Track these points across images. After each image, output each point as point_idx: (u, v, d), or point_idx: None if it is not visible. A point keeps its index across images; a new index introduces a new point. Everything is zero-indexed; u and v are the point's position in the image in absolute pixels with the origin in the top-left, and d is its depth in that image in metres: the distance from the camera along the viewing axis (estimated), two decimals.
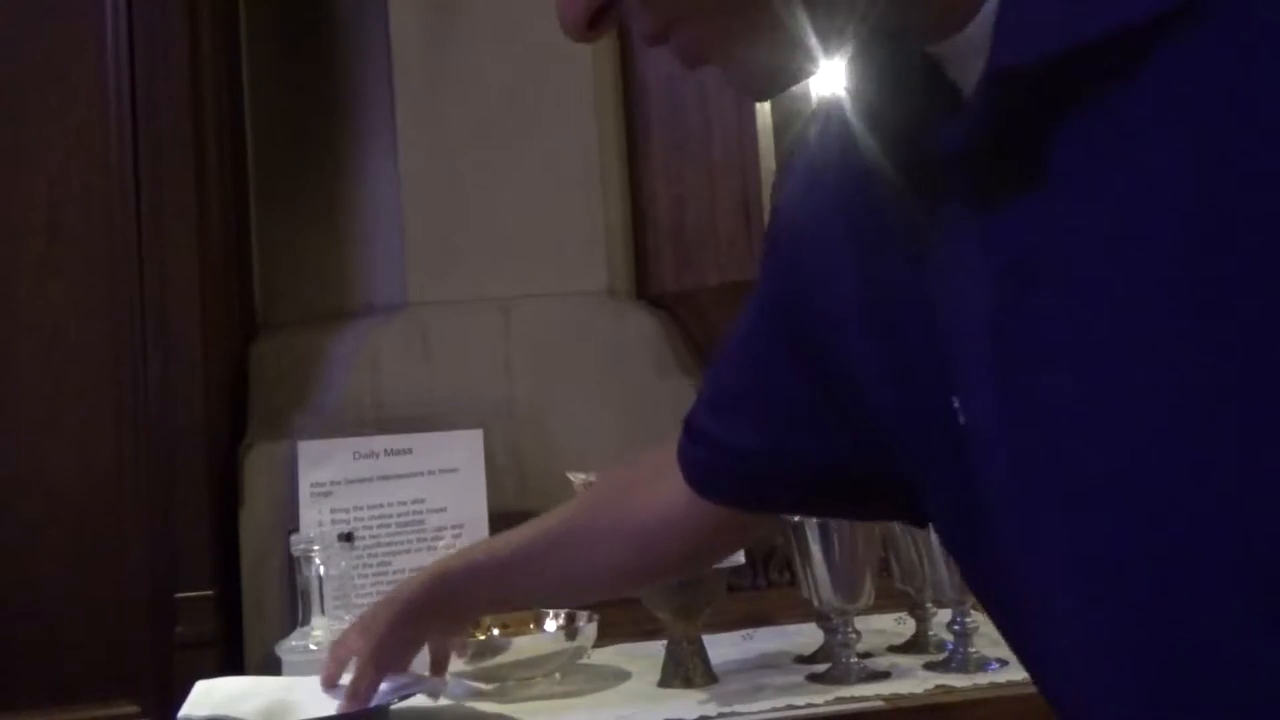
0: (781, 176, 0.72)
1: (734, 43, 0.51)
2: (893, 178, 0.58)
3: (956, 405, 0.56)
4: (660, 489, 0.86)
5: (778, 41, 0.50)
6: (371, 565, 1.53)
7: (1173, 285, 0.43)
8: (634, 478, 0.95)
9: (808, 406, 0.71)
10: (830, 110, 0.68)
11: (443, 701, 1.27)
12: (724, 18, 0.50)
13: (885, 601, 1.37)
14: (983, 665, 1.28)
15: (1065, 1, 0.45)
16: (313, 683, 1.16)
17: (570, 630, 1.37)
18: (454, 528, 1.57)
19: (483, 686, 1.33)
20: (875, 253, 0.61)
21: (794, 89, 1.78)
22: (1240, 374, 0.42)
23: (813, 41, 0.51)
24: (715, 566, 1.30)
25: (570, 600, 1.25)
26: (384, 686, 1.12)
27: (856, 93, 0.61)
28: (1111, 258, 0.45)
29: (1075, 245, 0.46)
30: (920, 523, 0.72)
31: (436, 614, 1.07)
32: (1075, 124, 0.46)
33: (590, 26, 0.52)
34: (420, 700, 1.22)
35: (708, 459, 0.80)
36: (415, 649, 1.12)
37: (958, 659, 1.29)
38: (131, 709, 1.44)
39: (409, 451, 1.58)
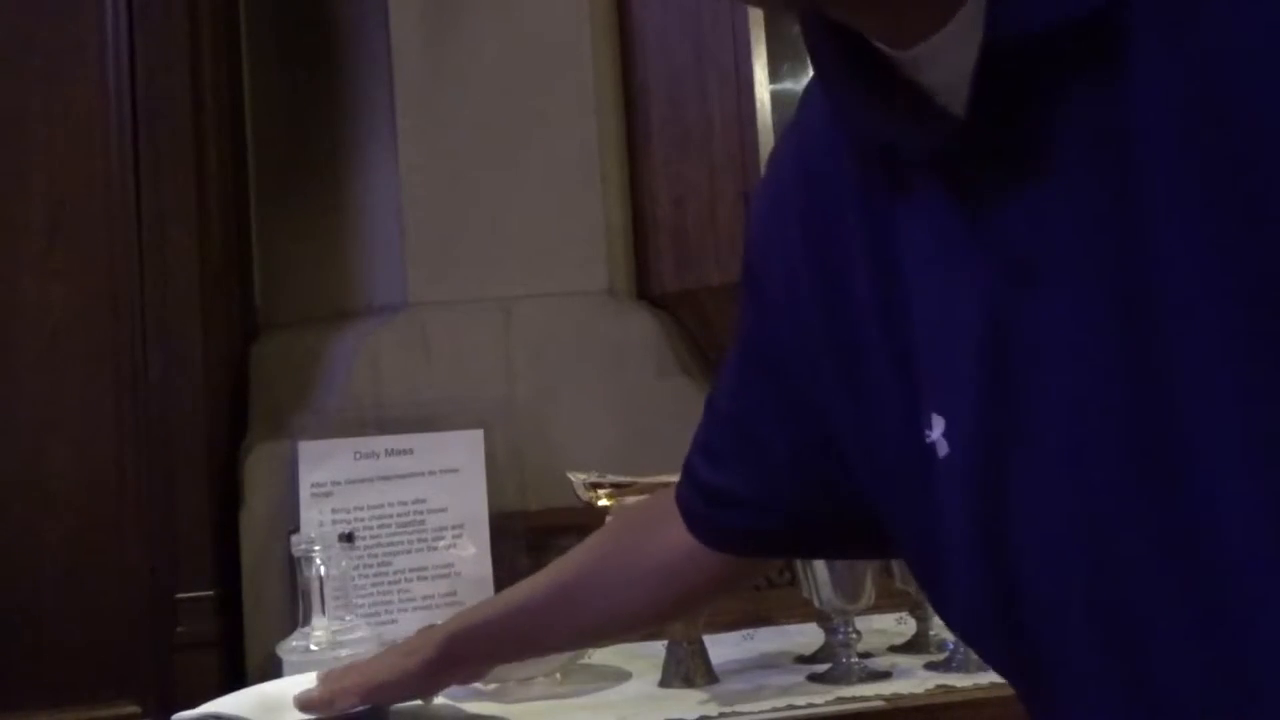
0: (748, 212, 0.71)
1: None
2: (856, 187, 0.57)
3: (931, 430, 0.54)
4: (671, 531, 0.85)
5: None
6: (372, 565, 1.53)
7: (1182, 283, 0.42)
8: (644, 519, 0.95)
9: (793, 458, 0.70)
10: (787, 134, 0.68)
11: (440, 701, 1.27)
12: None
13: (885, 601, 1.37)
14: (983, 665, 1.28)
15: None
16: (308, 681, 1.16)
17: None
18: (454, 528, 1.57)
19: (482, 686, 1.33)
20: (840, 278, 0.60)
21: (793, 87, 1.78)
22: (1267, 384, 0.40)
23: None
24: None
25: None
26: None
27: (814, 103, 0.60)
28: (1115, 254, 0.44)
29: (1078, 240, 0.45)
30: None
31: (449, 674, 1.06)
32: (1068, 114, 0.45)
33: None
34: (417, 701, 1.22)
35: (704, 508, 0.80)
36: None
37: (958, 659, 1.29)
38: (132, 709, 1.44)
39: (409, 452, 1.58)
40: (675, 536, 0.84)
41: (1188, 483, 0.43)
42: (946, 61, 0.48)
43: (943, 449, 0.53)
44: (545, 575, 0.98)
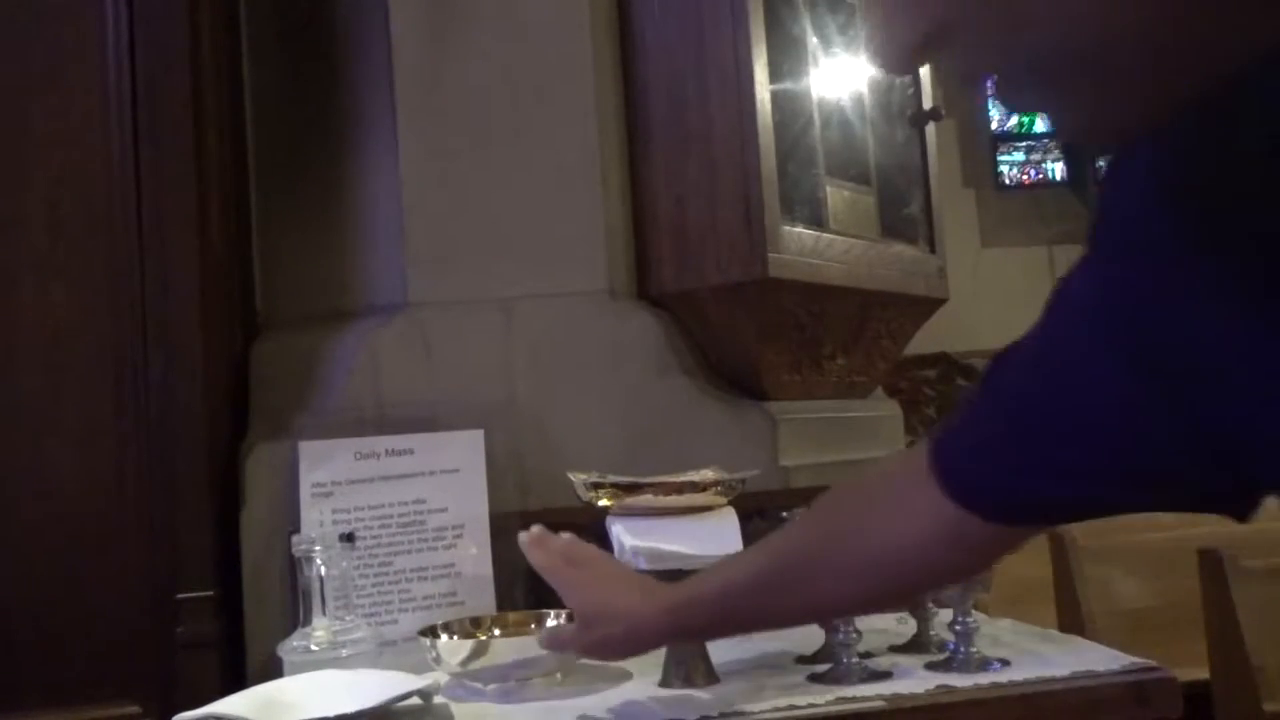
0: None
1: None
2: None
3: None
4: (905, 514, 0.82)
5: None
6: (372, 566, 1.53)
7: None
8: (868, 499, 0.91)
9: (1148, 421, 0.65)
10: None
11: (440, 701, 1.27)
12: None
13: None
14: (984, 665, 1.28)
15: None
16: (308, 681, 1.16)
17: None
18: (455, 528, 1.57)
19: (483, 686, 1.33)
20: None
21: (793, 87, 1.78)
22: None
23: None
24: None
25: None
26: (383, 689, 1.12)
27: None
28: None
29: None
30: (1244, 516, 0.67)
31: (667, 638, 1.10)
32: None
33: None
34: (417, 701, 1.22)
35: (1022, 485, 0.75)
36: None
37: (959, 659, 1.29)
38: (132, 710, 1.44)
39: (410, 452, 1.58)
40: (919, 515, 0.80)
41: None
42: None
43: None
44: (765, 554, 0.97)
